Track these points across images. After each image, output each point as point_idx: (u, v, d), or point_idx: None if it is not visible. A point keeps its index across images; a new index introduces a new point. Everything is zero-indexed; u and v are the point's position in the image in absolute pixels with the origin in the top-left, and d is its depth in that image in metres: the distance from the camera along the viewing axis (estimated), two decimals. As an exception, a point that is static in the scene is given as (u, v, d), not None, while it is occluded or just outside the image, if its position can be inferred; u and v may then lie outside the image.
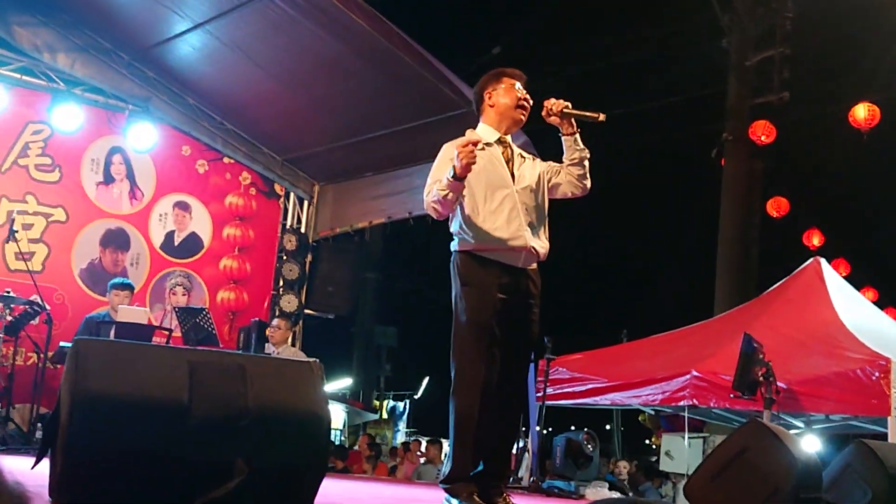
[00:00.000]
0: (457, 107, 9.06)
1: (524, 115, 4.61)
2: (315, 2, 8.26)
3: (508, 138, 4.67)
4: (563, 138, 4.59)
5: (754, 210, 15.21)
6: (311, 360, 3.24)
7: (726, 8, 15.17)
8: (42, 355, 8.35)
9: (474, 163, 4.24)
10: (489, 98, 4.65)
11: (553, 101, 4.52)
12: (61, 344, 8.05)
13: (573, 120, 4.52)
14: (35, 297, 8.58)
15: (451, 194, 4.32)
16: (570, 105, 4.51)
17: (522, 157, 4.65)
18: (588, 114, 4.48)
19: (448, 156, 4.44)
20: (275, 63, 9.43)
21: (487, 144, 4.52)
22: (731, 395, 7.84)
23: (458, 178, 4.26)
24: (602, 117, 4.45)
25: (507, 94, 4.61)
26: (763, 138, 14.12)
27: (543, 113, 4.55)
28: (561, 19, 17.07)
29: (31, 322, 8.44)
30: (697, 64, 16.08)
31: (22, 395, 8.56)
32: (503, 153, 4.57)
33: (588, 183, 4.63)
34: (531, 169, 4.61)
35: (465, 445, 4.41)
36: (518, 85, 4.64)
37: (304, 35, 8.81)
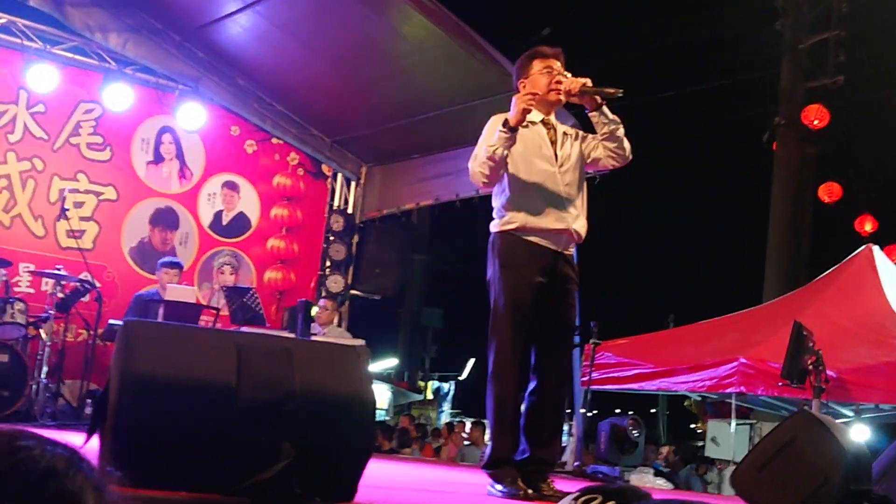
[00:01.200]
0: (506, 89, 8.91)
1: (559, 95, 4.54)
2: (365, -18, 8.25)
3: (552, 118, 4.62)
4: (590, 115, 4.53)
5: (806, 195, 15.01)
6: (358, 343, 3.25)
7: (781, -11, 14.95)
8: (92, 332, 8.46)
9: (530, 111, 4.26)
10: (523, 86, 4.60)
11: (570, 79, 4.46)
12: (111, 321, 8.13)
13: (595, 96, 4.46)
14: (85, 275, 8.69)
15: (500, 150, 4.29)
16: (588, 82, 4.44)
17: (566, 135, 4.60)
18: (607, 90, 4.42)
19: (495, 125, 4.41)
20: (324, 44, 9.44)
21: (532, 123, 4.48)
22: (780, 384, 7.75)
23: (512, 129, 4.25)
24: (620, 92, 4.39)
25: (539, 78, 4.55)
26: (816, 123, 13.91)
27: (562, 94, 4.49)
28: (608, 1, 16.91)
29: (82, 299, 8.57)
30: (750, 46, 15.85)
31: (72, 372, 8.69)
32: (548, 133, 4.54)
33: (626, 152, 4.54)
34: (574, 148, 4.56)
35: (504, 429, 4.40)
36: (554, 64, 4.57)
37: (353, 16, 8.80)
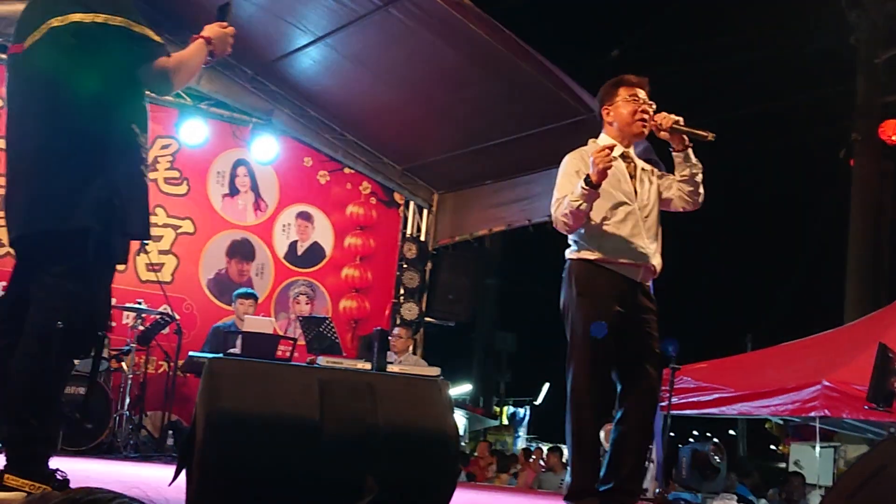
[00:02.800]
0: (576, 113, 8.98)
1: (644, 127, 4.51)
2: (432, 12, 8.27)
3: (631, 151, 4.60)
4: (673, 154, 4.50)
5: (886, 212, 14.71)
6: (434, 372, 3.24)
7: (854, 4, 14.72)
8: (172, 364, 8.59)
9: (611, 167, 4.22)
10: (608, 114, 4.59)
11: (663, 115, 4.43)
12: (191, 353, 8.25)
13: (684, 136, 4.43)
14: (165, 308, 8.86)
15: (584, 205, 4.31)
16: (681, 121, 4.40)
17: (644, 171, 4.58)
18: (698, 132, 4.38)
19: (573, 168, 4.42)
20: (394, 74, 9.50)
21: (616, 158, 4.46)
22: (866, 407, 7.58)
23: (594, 186, 4.23)
24: (711, 136, 4.34)
25: (624, 106, 4.52)
26: (894, 138, 13.64)
27: (653, 128, 4.47)
28: (682, 19, 16.80)
29: (162, 332, 8.71)
30: (825, 62, 15.62)
31: (154, 403, 8.84)
32: (628, 167, 4.52)
33: (700, 198, 4.52)
34: (650, 184, 4.54)
35: (584, 459, 4.38)
36: (639, 93, 4.54)
37: (421, 45, 8.84)
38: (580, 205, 4.29)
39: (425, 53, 8.97)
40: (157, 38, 3.41)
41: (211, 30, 3.63)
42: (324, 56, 9.50)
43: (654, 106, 4.51)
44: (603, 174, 4.20)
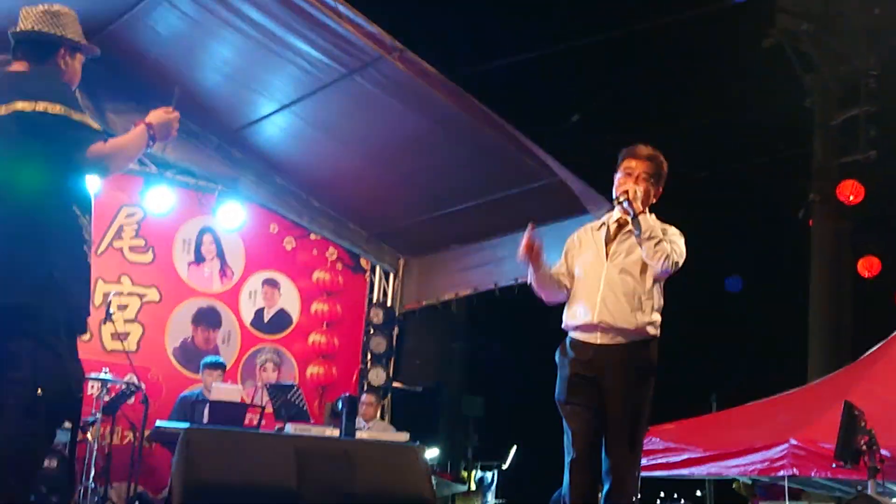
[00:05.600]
0: (541, 177, 9.09)
1: (622, 197, 4.61)
2: (397, 79, 8.38)
3: (629, 217, 4.65)
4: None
5: (845, 270, 14.90)
6: (403, 437, 3.25)
7: (808, 68, 15.05)
8: (138, 434, 8.48)
9: (530, 253, 4.57)
10: (615, 179, 4.80)
11: (618, 188, 4.62)
12: (157, 423, 8.15)
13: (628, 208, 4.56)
14: (130, 377, 8.76)
15: (530, 275, 4.66)
16: (628, 191, 4.53)
17: (631, 231, 4.65)
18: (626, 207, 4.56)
19: (569, 241, 4.76)
20: (359, 140, 9.58)
21: (603, 224, 4.74)
22: (833, 465, 7.62)
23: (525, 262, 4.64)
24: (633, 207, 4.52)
25: (617, 176, 4.71)
26: (851, 198, 13.89)
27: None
28: (640, 85, 17.10)
29: (128, 401, 8.61)
30: (782, 125, 15.92)
31: (119, 474, 8.69)
32: (614, 231, 4.65)
33: (660, 264, 4.50)
34: (634, 244, 4.62)
35: None
36: (632, 164, 4.69)
37: (387, 112, 8.94)
38: (528, 276, 4.69)
39: (391, 120, 9.06)
40: (94, 124, 3.68)
41: (154, 115, 3.92)
42: (289, 123, 9.57)
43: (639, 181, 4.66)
44: (522, 256, 4.61)
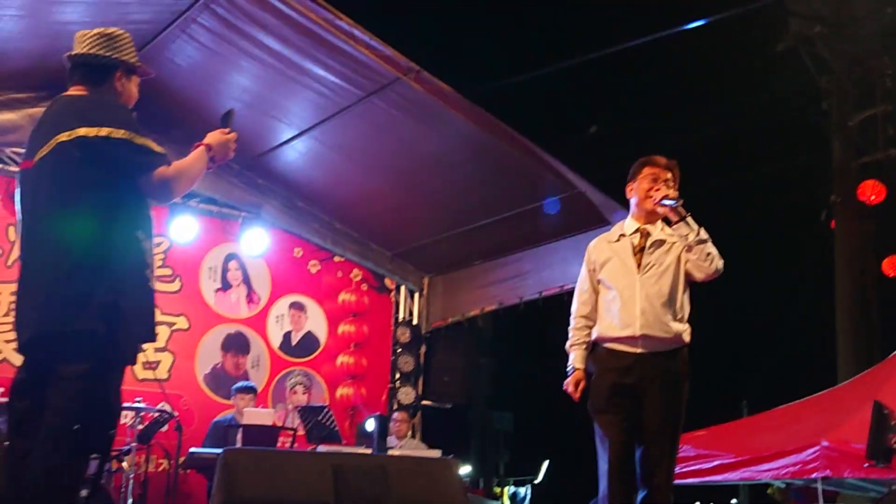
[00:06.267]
0: (561, 191, 9.16)
1: (654, 205, 4.69)
2: (415, 99, 8.47)
3: (651, 227, 4.74)
4: (672, 227, 4.68)
5: (870, 271, 14.86)
6: (435, 454, 3.30)
7: (823, 71, 15.06)
8: (172, 461, 8.57)
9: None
10: (630, 191, 4.83)
11: (655, 190, 4.64)
12: (192, 450, 8.23)
13: (678, 208, 4.60)
14: (163, 405, 8.86)
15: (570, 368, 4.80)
16: (669, 193, 4.59)
17: (662, 241, 4.71)
18: (673, 204, 4.59)
19: (585, 263, 4.87)
20: (379, 161, 9.67)
21: (622, 236, 4.74)
22: (865, 465, 7.62)
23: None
24: (680, 202, 4.60)
25: (642, 183, 4.74)
26: (872, 198, 13.87)
27: (653, 206, 4.68)
28: (656, 94, 17.14)
29: (161, 429, 8.70)
30: (798, 128, 15.92)
31: (155, 502, 8.77)
32: (639, 242, 4.69)
33: (711, 266, 4.62)
34: (667, 255, 4.67)
35: None
36: (662, 174, 4.74)
37: (406, 132, 9.04)
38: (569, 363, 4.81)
39: (409, 140, 9.16)
40: (158, 148, 3.64)
41: (212, 136, 3.82)
42: (309, 148, 9.67)
43: (671, 186, 4.71)
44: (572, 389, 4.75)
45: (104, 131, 3.53)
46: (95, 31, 3.87)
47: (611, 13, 17.87)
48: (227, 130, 3.91)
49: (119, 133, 3.53)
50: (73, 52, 3.88)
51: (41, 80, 8.83)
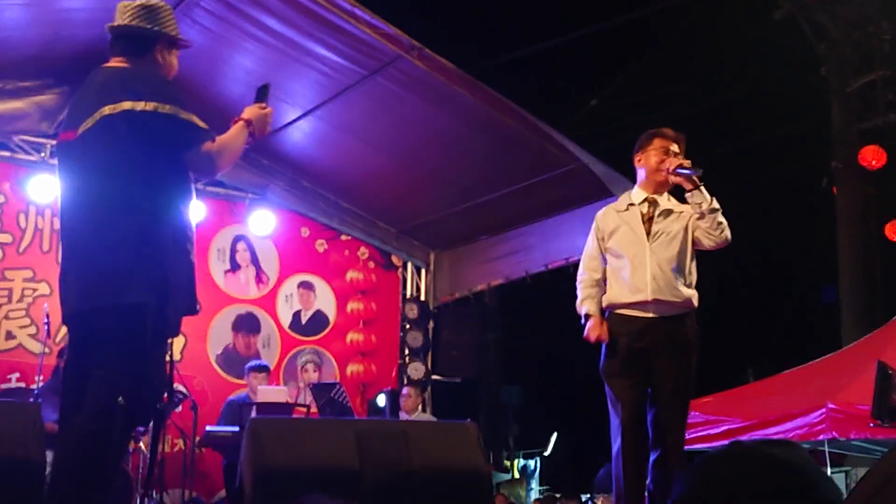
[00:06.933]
0: (563, 164, 9.24)
1: (664, 175, 4.81)
2: (417, 77, 8.56)
3: (659, 197, 4.86)
4: (686, 195, 4.78)
5: (872, 235, 14.92)
6: (466, 420, 3.42)
7: (821, 37, 15.07)
8: (189, 441, 8.70)
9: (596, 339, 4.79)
10: (638, 161, 4.94)
11: (670, 160, 4.74)
12: (208, 428, 8.37)
13: (692, 177, 4.70)
14: (177, 386, 8.97)
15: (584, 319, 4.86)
16: (685, 163, 4.71)
17: (670, 211, 4.82)
18: (690, 171, 4.69)
19: (593, 230, 4.96)
20: (383, 139, 9.76)
21: (631, 205, 4.82)
22: (871, 425, 7.72)
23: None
24: (699, 170, 4.68)
25: (654, 155, 4.85)
26: (874, 163, 13.92)
27: (664, 176, 4.78)
28: (654, 66, 17.15)
29: (176, 410, 8.82)
30: (798, 95, 15.94)
31: (173, 481, 8.91)
32: (648, 211, 4.79)
33: (722, 235, 4.76)
34: (675, 224, 4.78)
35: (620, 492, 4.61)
36: (672, 146, 4.85)
37: (409, 109, 9.13)
38: (582, 310, 4.90)
39: (413, 117, 9.25)
40: (202, 123, 3.64)
41: (250, 111, 3.84)
42: (314, 128, 9.76)
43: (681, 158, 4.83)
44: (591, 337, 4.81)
45: (150, 105, 3.54)
46: (137, 2, 3.83)
47: (608, -14, 17.90)
48: (263, 105, 3.94)
49: (165, 108, 3.54)
50: (115, 24, 3.84)
51: (47, 68, 8.94)
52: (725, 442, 9.44)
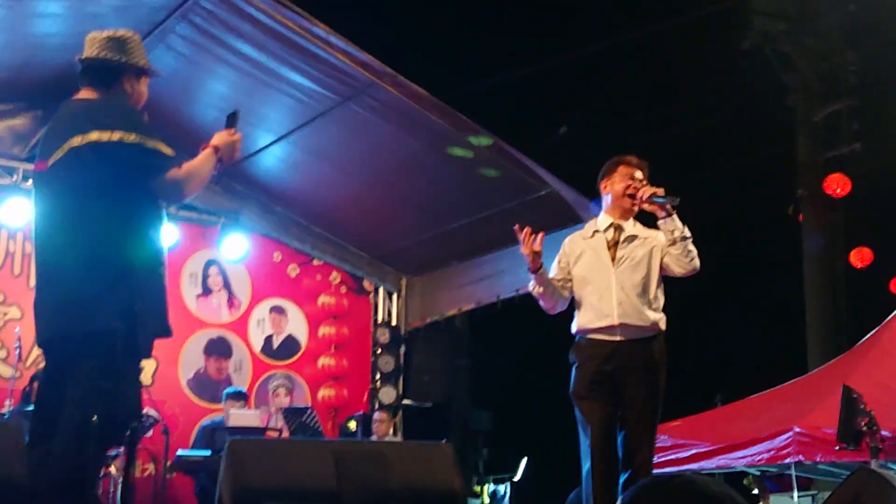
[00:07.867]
0: (534, 190, 9.33)
1: (633, 203, 4.94)
2: (390, 103, 8.62)
3: (625, 223, 4.97)
4: (658, 222, 4.89)
5: (838, 262, 15.13)
6: (442, 441, 3.48)
7: (787, 67, 15.31)
8: (159, 466, 8.68)
9: (536, 254, 4.83)
10: (604, 188, 5.06)
11: (644, 188, 4.86)
12: (179, 452, 8.36)
13: (664, 204, 4.82)
14: (148, 410, 8.95)
15: (536, 287, 4.93)
16: (659, 191, 4.83)
17: (636, 237, 4.94)
18: (665, 199, 4.81)
19: (563, 251, 4.93)
20: (356, 165, 9.83)
21: (596, 231, 4.89)
22: (837, 448, 7.83)
23: (532, 271, 4.88)
24: (676, 200, 4.81)
25: (619, 182, 4.97)
26: (838, 191, 14.13)
27: (636, 202, 4.90)
28: (623, 94, 17.34)
29: (146, 434, 8.80)
30: (764, 124, 16.17)
31: (143, 506, 8.89)
32: (613, 237, 4.89)
33: (691, 263, 4.90)
34: (640, 249, 4.89)
35: None
36: (636, 173, 4.98)
37: (382, 136, 9.19)
38: (533, 287, 4.93)
39: (385, 143, 9.31)
40: (168, 150, 3.74)
41: (219, 137, 3.93)
42: (287, 153, 9.81)
43: (646, 185, 4.94)
44: (531, 261, 4.86)
45: (116, 135, 3.63)
46: (105, 34, 3.92)
47: (579, 15, 18.09)
48: (232, 131, 4.01)
49: (130, 137, 3.64)
50: (84, 56, 3.93)
51: (20, 92, 8.95)
52: (694, 466, 9.57)
